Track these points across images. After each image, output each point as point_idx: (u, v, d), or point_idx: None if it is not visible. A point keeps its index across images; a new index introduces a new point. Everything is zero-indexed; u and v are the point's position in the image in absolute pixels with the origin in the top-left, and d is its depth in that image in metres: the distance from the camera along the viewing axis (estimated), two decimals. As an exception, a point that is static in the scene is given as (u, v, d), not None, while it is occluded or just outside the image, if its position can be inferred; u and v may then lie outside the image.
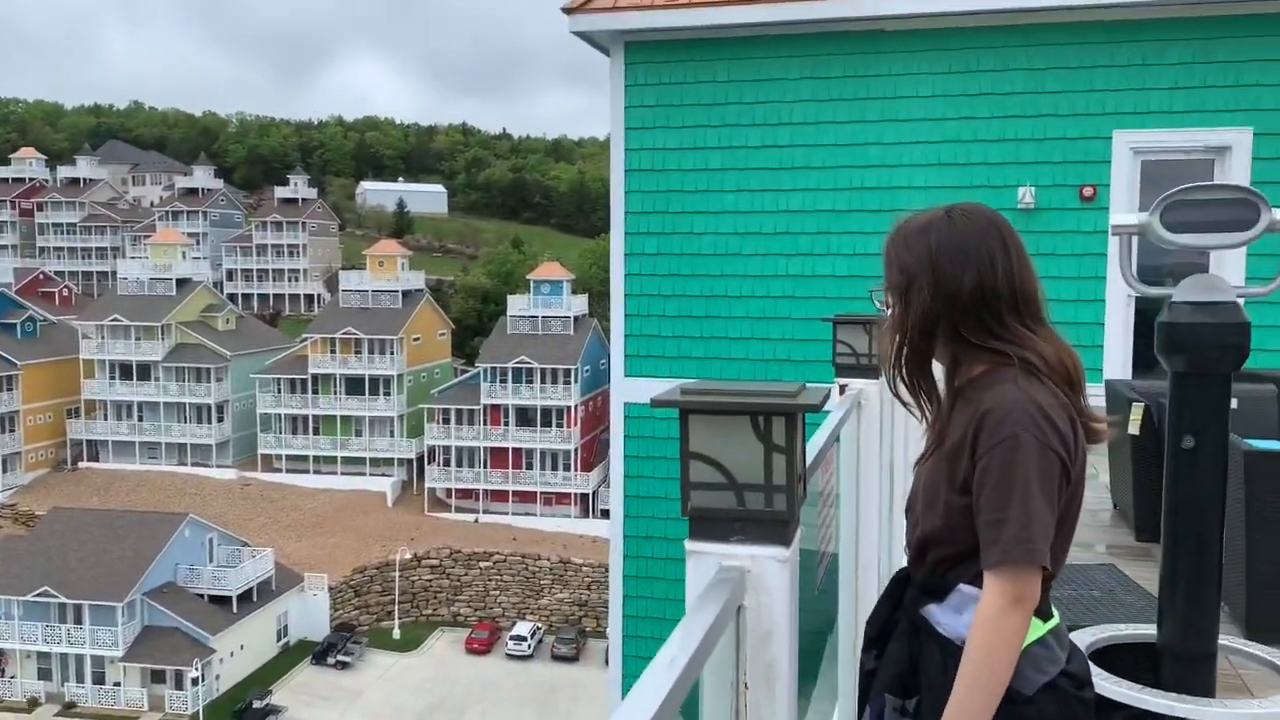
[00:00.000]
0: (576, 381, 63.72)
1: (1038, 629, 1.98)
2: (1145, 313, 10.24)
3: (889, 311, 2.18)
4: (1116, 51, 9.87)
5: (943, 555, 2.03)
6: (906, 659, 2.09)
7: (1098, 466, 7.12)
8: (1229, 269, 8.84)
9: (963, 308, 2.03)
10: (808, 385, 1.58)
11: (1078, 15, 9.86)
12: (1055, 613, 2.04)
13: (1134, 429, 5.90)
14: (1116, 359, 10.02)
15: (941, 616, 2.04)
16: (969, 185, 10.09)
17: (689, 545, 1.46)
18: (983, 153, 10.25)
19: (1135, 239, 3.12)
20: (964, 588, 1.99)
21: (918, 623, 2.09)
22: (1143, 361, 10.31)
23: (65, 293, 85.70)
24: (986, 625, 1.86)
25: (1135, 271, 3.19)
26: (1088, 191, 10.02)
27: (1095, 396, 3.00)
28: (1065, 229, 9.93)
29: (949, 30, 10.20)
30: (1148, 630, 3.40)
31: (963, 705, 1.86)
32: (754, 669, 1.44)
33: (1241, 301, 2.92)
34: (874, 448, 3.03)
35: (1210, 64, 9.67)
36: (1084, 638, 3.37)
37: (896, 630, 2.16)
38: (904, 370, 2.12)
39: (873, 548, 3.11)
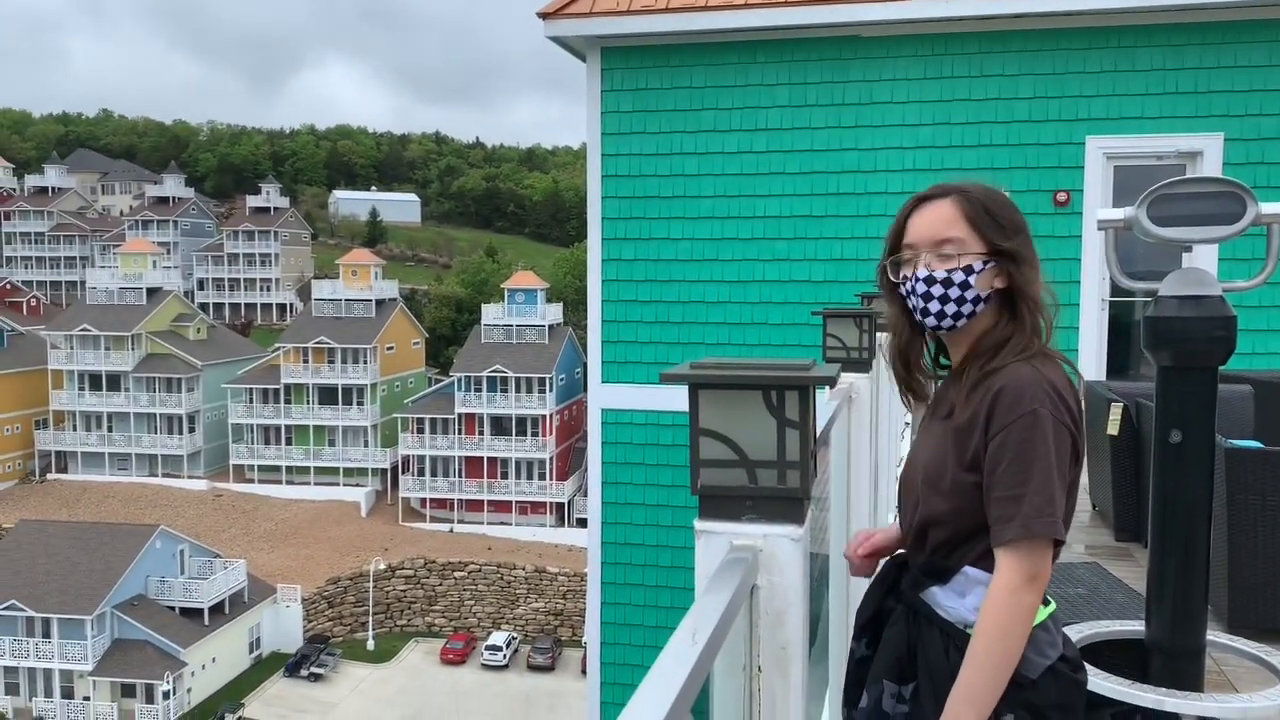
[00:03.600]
0: (551, 390, 63.46)
1: (1040, 613, 1.95)
2: (1118, 318, 10.33)
3: (961, 274, 2.06)
4: (1088, 58, 9.95)
5: (946, 536, 1.99)
6: (904, 644, 2.04)
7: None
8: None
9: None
10: (818, 362, 1.55)
11: (1050, 22, 9.93)
12: (1050, 599, 2.03)
13: (1113, 429, 5.93)
14: (1091, 363, 10.08)
15: (944, 600, 2.00)
16: (945, 190, 10.12)
17: (699, 525, 1.41)
18: (958, 158, 10.30)
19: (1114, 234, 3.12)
20: (969, 570, 1.96)
21: (916, 607, 2.05)
22: (1116, 366, 10.40)
23: (33, 302, 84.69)
24: (1002, 603, 1.83)
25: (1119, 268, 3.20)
26: (1061, 197, 10.08)
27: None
28: (1039, 234, 9.85)
29: (924, 36, 10.25)
30: (1133, 626, 3.40)
31: (973, 685, 1.82)
32: (767, 651, 1.39)
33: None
34: (864, 443, 3.02)
35: (1181, 70, 9.78)
36: (1070, 634, 3.37)
37: (892, 616, 2.11)
38: (1043, 338, 2.03)
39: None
